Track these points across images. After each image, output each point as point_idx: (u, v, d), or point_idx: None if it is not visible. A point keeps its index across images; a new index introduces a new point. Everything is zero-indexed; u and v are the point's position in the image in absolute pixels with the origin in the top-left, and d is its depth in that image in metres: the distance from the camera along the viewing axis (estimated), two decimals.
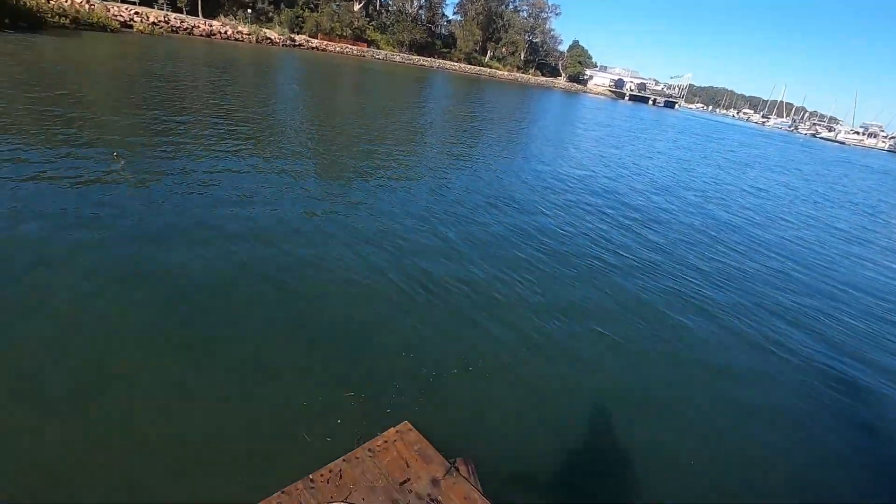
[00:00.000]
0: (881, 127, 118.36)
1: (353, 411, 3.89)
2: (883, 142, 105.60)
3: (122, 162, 8.47)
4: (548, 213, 10.16)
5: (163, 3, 53.28)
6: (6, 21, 25.07)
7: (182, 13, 52.89)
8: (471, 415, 4.15)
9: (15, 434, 3.29)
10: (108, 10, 38.33)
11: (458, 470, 3.07)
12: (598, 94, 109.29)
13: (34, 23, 27.35)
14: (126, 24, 39.27)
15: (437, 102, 27.87)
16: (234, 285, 5.36)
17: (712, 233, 11.05)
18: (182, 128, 11.56)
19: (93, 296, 4.76)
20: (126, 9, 41.85)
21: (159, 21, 43.30)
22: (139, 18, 41.30)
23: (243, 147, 10.85)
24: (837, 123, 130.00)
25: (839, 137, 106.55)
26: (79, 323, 4.40)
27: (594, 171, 15.60)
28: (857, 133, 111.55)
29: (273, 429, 3.64)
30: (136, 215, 6.57)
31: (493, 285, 6.40)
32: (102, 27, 34.75)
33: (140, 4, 46.69)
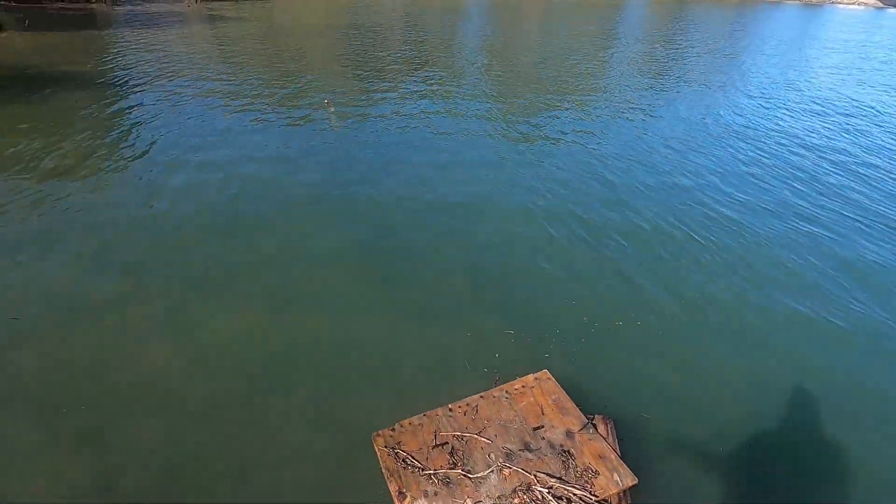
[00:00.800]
0: None
1: (501, 351, 4.03)
2: None
3: (333, 108, 9.79)
4: (752, 165, 8.63)
5: None
6: None
7: None
8: (617, 376, 3.93)
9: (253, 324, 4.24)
10: None
11: (595, 427, 2.98)
12: (851, 4, 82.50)
13: None
14: None
15: (631, 35, 25.08)
16: (420, 222, 5.96)
17: None
18: (379, 74, 12.65)
19: (305, 223, 5.81)
20: None
21: None
22: None
23: (436, 91, 11.50)
24: None
25: None
26: (293, 245, 5.41)
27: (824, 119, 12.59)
28: None
29: (430, 357, 3.99)
30: (341, 155, 7.66)
31: (665, 242, 5.79)
32: None
33: None
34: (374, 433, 2.88)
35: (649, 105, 11.83)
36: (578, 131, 9.56)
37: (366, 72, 12.88)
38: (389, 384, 3.73)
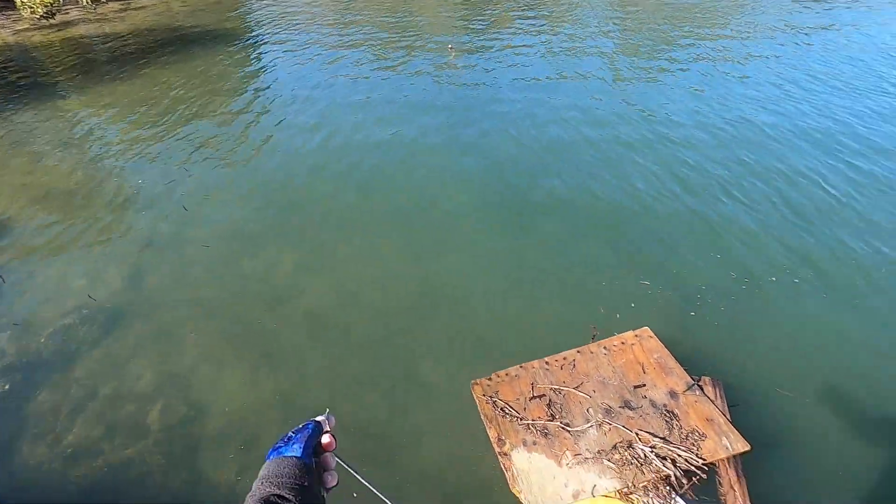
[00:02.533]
0: None
1: (596, 308, 3.91)
2: None
3: (454, 53, 9.77)
4: None
5: None
6: None
7: None
8: (732, 339, 3.66)
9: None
10: None
11: (701, 388, 2.83)
12: None
13: None
14: None
15: None
16: (539, 166, 5.89)
17: None
18: (490, 21, 12.21)
19: (435, 164, 6.04)
20: None
21: None
22: None
23: (546, 33, 10.90)
24: None
25: None
26: (423, 183, 5.69)
27: None
28: None
29: (532, 308, 3.99)
30: (467, 102, 7.64)
31: (815, 193, 5.17)
32: None
33: None
34: (473, 381, 2.96)
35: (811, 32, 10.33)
36: (709, 70, 8.59)
37: (482, 18, 12.51)
38: (492, 335, 3.78)
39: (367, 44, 10.76)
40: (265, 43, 11.29)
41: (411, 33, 11.43)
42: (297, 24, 12.77)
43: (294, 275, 4.43)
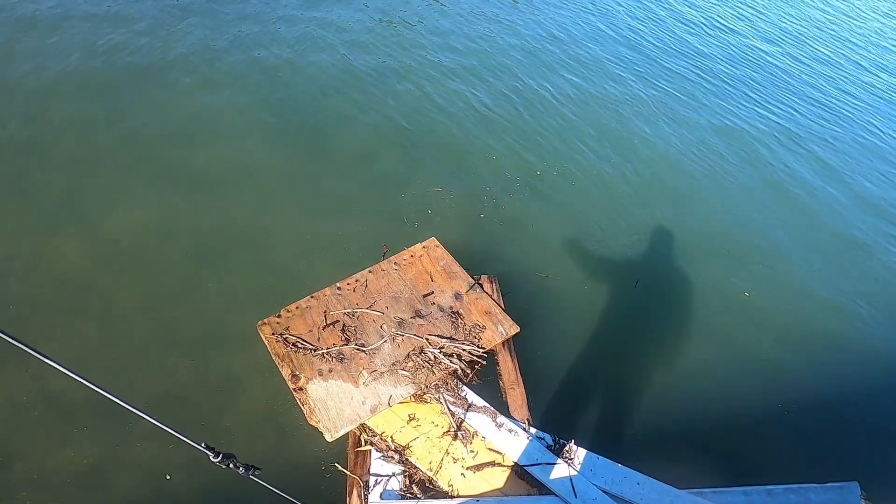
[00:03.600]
0: None
1: (384, 226, 3.92)
2: None
3: None
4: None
5: None
6: None
7: None
8: (506, 236, 4.08)
9: None
10: None
11: (481, 286, 3.11)
12: None
13: None
14: None
15: None
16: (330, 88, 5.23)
17: None
18: None
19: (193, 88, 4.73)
20: None
21: None
22: None
23: None
24: None
25: None
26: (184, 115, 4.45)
27: None
28: None
29: (320, 238, 3.78)
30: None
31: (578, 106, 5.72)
32: None
33: None
34: (259, 322, 2.75)
35: None
36: None
37: None
38: (290, 270, 3.53)
39: None
40: None
41: None
42: None
43: (26, 239, 3.41)
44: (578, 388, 3.32)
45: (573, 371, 3.37)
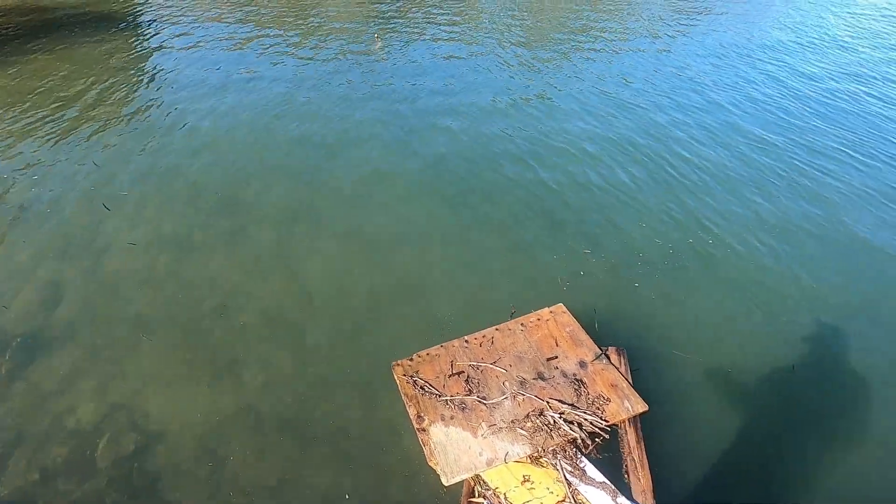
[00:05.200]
0: None
1: (515, 287, 4.09)
2: None
3: (380, 43, 9.60)
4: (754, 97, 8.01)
5: None
6: None
7: None
8: (637, 310, 3.95)
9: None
10: None
11: (608, 357, 3.04)
12: None
13: None
14: None
15: None
16: (465, 152, 5.98)
17: None
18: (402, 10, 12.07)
19: (372, 155, 5.92)
20: None
21: None
22: None
23: (458, 24, 10.90)
24: None
25: None
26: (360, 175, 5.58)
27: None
28: None
29: (456, 290, 4.10)
30: (390, 90, 7.57)
31: (703, 175, 5.60)
32: None
33: None
34: (393, 363, 3.03)
35: (687, 28, 10.99)
36: (612, 63, 9.01)
37: (396, 8, 12.36)
38: (416, 317, 3.88)
39: (278, 27, 10.37)
40: (158, 24, 10.43)
41: (322, 20, 11.16)
42: (192, 5, 11.98)
43: (240, 277, 4.22)
44: (710, 482, 2.95)
45: (705, 462, 3.02)
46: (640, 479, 2.58)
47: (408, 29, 10.48)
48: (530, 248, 4.56)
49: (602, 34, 10.43)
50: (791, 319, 3.89)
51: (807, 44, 10.14)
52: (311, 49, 9.24)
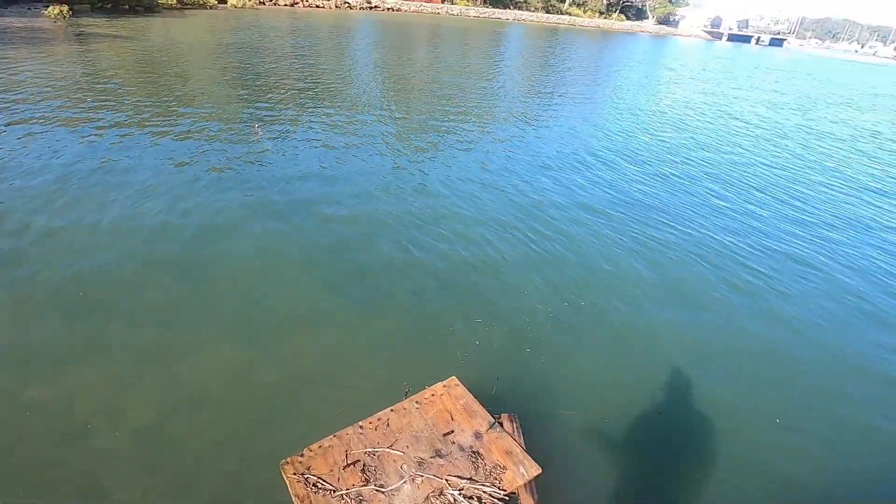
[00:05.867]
0: None
1: (407, 365, 4.09)
2: None
3: (260, 133, 9.46)
4: (611, 176, 9.59)
5: None
6: (128, 6, 30.89)
7: None
8: (523, 376, 4.17)
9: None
10: None
11: (501, 425, 3.13)
12: (690, 36, 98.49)
13: (150, 6, 32.33)
14: (222, 1, 42.60)
15: (513, 57, 26.84)
16: (348, 240, 5.94)
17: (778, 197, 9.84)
18: (283, 98, 12.25)
19: (248, 245, 5.44)
20: None
21: None
22: None
23: (332, 112, 11.30)
24: None
25: None
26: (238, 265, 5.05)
27: (680, 125, 14.34)
28: None
29: (340, 376, 3.94)
30: (268, 177, 7.29)
31: (568, 250, 6.27)
32: (202, 5, 38.83)
33: None
34: (282, 462, 2.79)
35: (533, 118, 12.73)
36: (459, 148, 10.03)
37: (262, 94, 12.53)
38: (311, 407, 3.64)
39: (139, 113, 10.03)
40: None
41: (182, 101, 11.10)
42: (27, 91, 11.11)
43: (108, 393, 3.64)
44: None
45: None
46: None
47: (287, 119, 10.71)
48: (420, 324, 4.66)
49: (463, 125, 11.65)
50: (652, 367, 4.39)
51: (639, 131, 12.37)
52: (178, 136, 8.94)
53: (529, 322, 4.78)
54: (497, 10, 74.03)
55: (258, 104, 11.57)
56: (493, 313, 4.86)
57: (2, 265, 4.90)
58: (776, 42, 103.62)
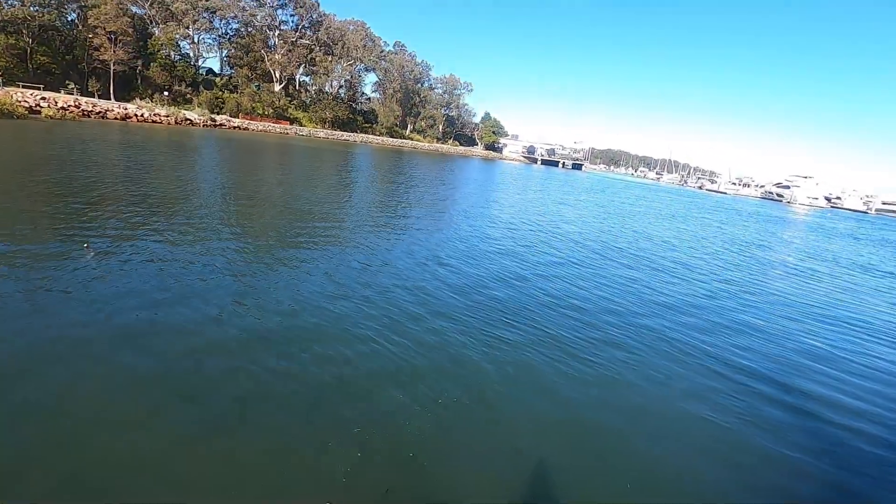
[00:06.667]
0: (752, 179, 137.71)
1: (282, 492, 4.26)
2: (755, 190, 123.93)
3: (92, 252, 8.72)
4: (467, 275, 11.13)
5: (72, 88, 52.17)
6: None
7: (94, 97, 51.93)
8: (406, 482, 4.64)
9: None
10: (11, 97, 36.94)
11: None
12: (513, 160, 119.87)
13: None
14: (33, 110, 37.99)
15: (363, 173, 29.21)
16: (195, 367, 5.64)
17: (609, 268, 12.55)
18: (116, 214, 11.54)
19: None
20: (31, 94, 40.60)
21: (69, 105, 42.23)
22: (46, 104, 40.05)
23: (175, 229, 11.00)
24: (718, 176, 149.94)
25: (721, 188, 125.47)
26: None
27: (515, 232, 17.12)
28: (734, 184, 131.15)
29: None
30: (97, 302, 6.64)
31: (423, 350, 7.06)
32: (9, 114, 33.55)
33: (45, 90, 45.45)
34: None
35: (387, 237, 14.13)
36: (317, 259, 10.77)
37: (91, 210, 11.78)
38: None
39: None
40: None
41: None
42: None
43: None
44: None
45: None
46: None
47: (120, 236, 10.22)
48: (289, 447, 4.75)
49: (313, 237, 12.42)
50: (518, 450, 5.18)
51: (479, 238, 14.46)
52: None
53: (403, 429, 5.25)
54: (346, 133, 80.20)
55: (86, 222, 10.89)
56: (366, 427, 5.15)
57: None
58: (577, 166, 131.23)
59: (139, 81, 63.15)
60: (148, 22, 68.10)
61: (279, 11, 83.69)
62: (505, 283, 10.97)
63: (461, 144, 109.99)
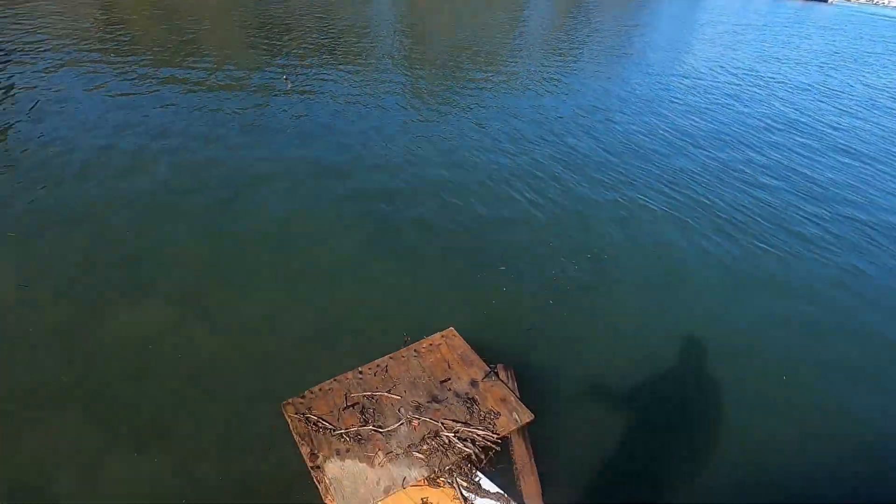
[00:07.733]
0: None
1: (412, 313, 4.20)
2: None
3: (290, 84, 9.61)
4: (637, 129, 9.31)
5: None
6: None
7: None
8: (521, 326, 4.24)
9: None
10: None
11: (496, 374, 3.22)
12: None
13: None
14: None
15: (539, 21, 25.84)
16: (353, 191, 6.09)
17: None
18: (303, 49, 12.07)
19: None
20: None
21: None
22: None
23: (354, 67, 11.13)
24: None
25: None
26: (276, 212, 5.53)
27: (704, 82, 13.76)
28: None
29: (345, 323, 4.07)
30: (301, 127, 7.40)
31: (585, 202, 6.29)
32: None
33: None
34: (284, 402, 2.92)
35: (559, 81, 12.35)
36: (504, 104, 9.81)
37: (282, 45, 12.44)
38: (305, 353, 3.78)
39: (172, 66, 10.00)
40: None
41: (210, 54, 11.06)
42: (48, 37, 11.16)
43: (164, 334, 3.85)
44: (595, 483, 3.19)
45: (590, 464, 3.26)
46: (531, 485, 2.73)
47: (313, 71, 10.64)
48: (426, 276, 4.75)
49: (492, 80, 11.37)
50: (661, 337, 4.38)
51: (673, 88, 11.97)
52: (207, 86, 8.93)
53: (543, 276, 4.85)
54: None
55: (285, 55, 11.63)
56: (516, 266, 4.95)
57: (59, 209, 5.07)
58: None
59: None
60: None
61: None
62: (698, 140, 8.97)
63: None
